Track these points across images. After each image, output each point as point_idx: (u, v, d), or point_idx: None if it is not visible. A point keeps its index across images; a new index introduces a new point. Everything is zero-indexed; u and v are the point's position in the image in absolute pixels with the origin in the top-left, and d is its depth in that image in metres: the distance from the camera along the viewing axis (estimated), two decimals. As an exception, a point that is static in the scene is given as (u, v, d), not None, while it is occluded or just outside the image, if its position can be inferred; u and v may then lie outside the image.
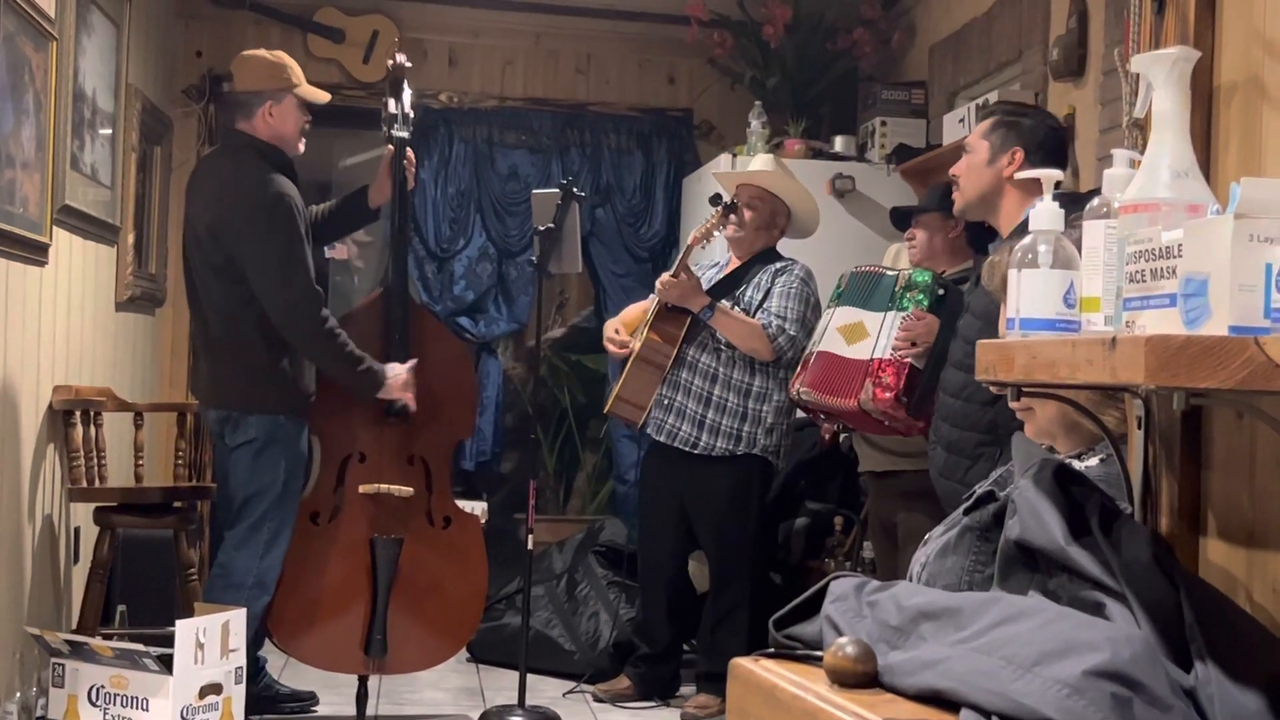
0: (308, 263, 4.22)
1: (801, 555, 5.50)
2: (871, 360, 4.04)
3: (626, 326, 5.08)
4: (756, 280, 4.89)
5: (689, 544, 5.10)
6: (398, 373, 4.34)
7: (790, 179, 5.00)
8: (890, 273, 4.17)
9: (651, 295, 5.21)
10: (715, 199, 4.79)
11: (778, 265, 4.92)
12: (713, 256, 5.27)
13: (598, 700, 5.08)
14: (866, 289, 4.15)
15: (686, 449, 4.86)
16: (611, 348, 5.04)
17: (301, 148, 4.45)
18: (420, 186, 6.40)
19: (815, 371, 4.16)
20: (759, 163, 5.07)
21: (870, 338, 4.08)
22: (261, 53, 4.43)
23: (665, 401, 4.88)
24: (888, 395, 4.00)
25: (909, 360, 3.98)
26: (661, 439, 4.90)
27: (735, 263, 4.98)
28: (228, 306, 4.24)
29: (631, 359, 4.89)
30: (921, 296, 4.04)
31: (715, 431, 4.84)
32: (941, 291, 4.05)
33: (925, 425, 4.07)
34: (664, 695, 5.11)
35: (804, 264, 4.95)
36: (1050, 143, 3.53)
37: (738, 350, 4.81)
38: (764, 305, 4.82)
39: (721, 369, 4.83)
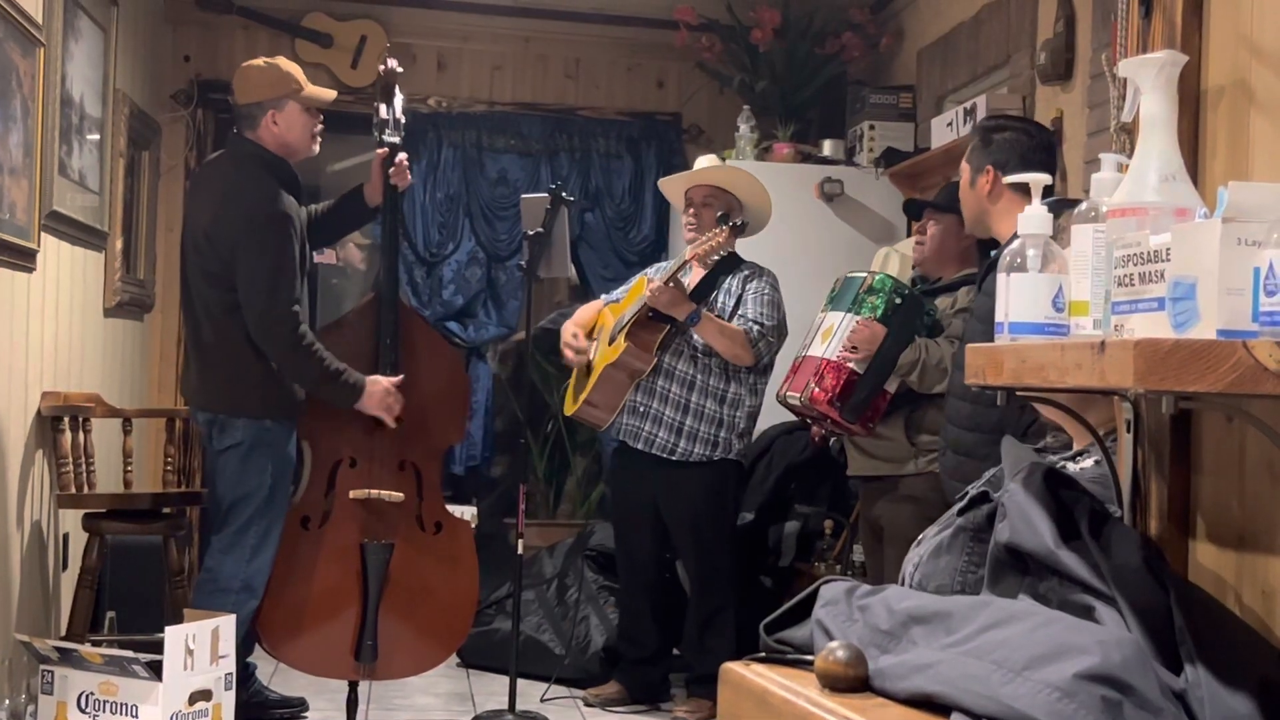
0: (294, 286, 4.21)
1: (792, 559, 5.50)
2: (822, 359, 4.13)
3: (582, 328, 5.09)
4: (726, 286, 4.90)
5: (667, 546, 5.11)
6: (377, 385, 4.32)
7: (737, 171, 5.02)
8: (861, 275, 4.23)
9: (602, 297, 5.26)
10: (723, 218, 4.77)
11: (745, 271, 4.93)
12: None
13: (588, 705, 5.08)
14: (844, 291, 4.23)
15: (664, 455, 4.87)
16: (570, 354, 5.03)
17: (316, 149, 4.44)
18: (409, 191, 6.38)
19: (799, 375, 4.24)
20: (704, 163, 5.09)
21: (831, 338, 4.17)
22: (259, 62, 4.40)
23: (640, 409, 4.89)
24: (822, 396, 4.14)
25: (850, 365, 4.06)
26: (639, 446, 4.91)
27: (700, 270, 4.97)
28: (218, 311, 4.23)
29: (603, 365, 4.88)
30: (878, 302, 4.14)
31: (693, 438, 4.85)
32: (899, 300, 4.11)
33: (865, 428, 4.17)
34: (654, 699, 5.11)
35: (770, 269, 4.96)
36: (1029, 153, 3.50)
37: (714, 357, 4.82)
38: (739, 311, 4.83)
39: (699, 376, 4.85)
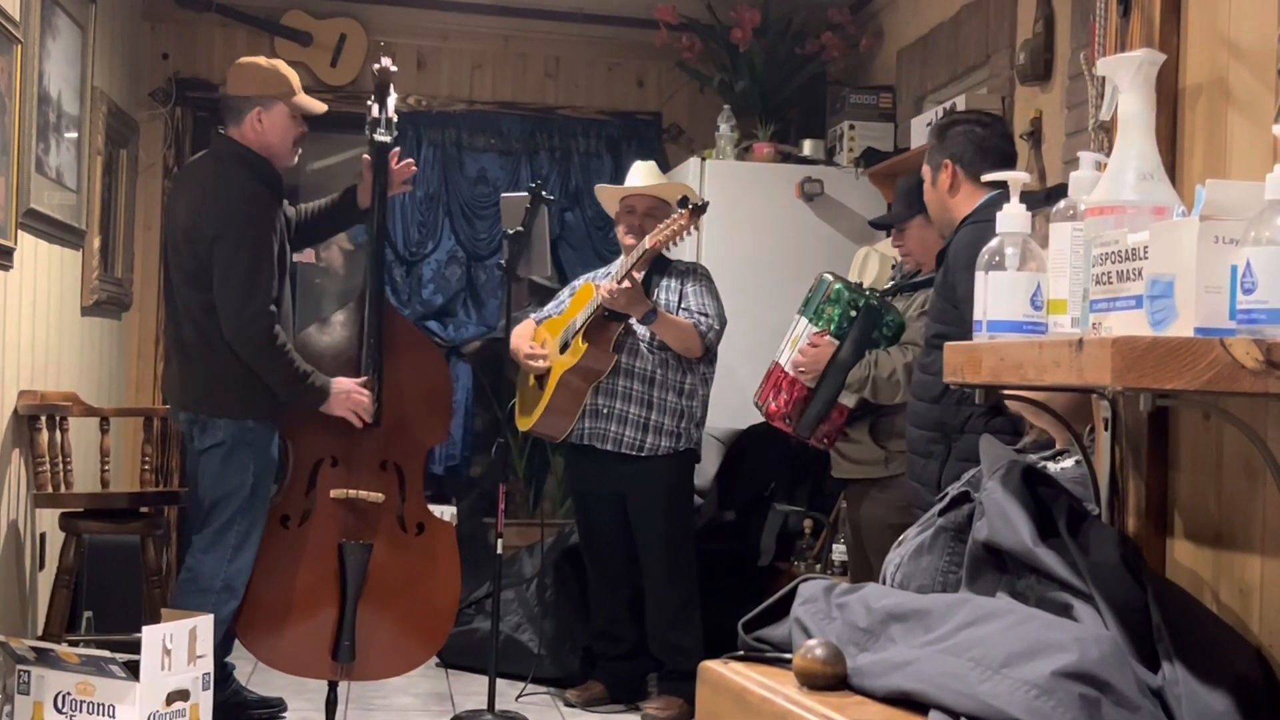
0: (271, 287, 4.18)
1: (771, 558, 5.50)
2: (783, 372, 4.19)
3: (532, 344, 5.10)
4: (665, 285, 4.96)
5: (634, 540, 5.11)
6: (341, 387, 4.31)
7: (669, 181, 5.17)
8: (828, 280, 4.24)
9: (531, 316, 5.29)
10: (683, 201, 4.77)
11: (682, 269, 5.01)
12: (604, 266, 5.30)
13: (569, 705, 5.07)
14: (814, 295, 4.32)
15: (631, 453, 4.89)
16: (534, 364, 5.01)
17: (294, 158, 4.42)
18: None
19: (766, 384, 4.34)
20: (642, 171, 5.12)
21: (796, 347, 4.20)
22: (258, 60, 4.39)
23: (604, 410, 4.90)
24: (776, 411, 4.25)
25: (802, 380, 4.12)
26: (607, 447, 4.92)
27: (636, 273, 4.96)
28: (199, 311, 4.21)
29: (560, 373, 4.88)
30: (835, 314, 4.17)
31: (659, 431, 4.90)
32: (855, 313, 4.14)
33: (821, 443, 4.21)
34: (634, 698, 5.10)
35: (704, 265, 5.08)
36: (984, 141, 3.58)
37: (668, 352, 4.87)
38: (683, 305, 4.90)
39: (658, 370, 4.89)
